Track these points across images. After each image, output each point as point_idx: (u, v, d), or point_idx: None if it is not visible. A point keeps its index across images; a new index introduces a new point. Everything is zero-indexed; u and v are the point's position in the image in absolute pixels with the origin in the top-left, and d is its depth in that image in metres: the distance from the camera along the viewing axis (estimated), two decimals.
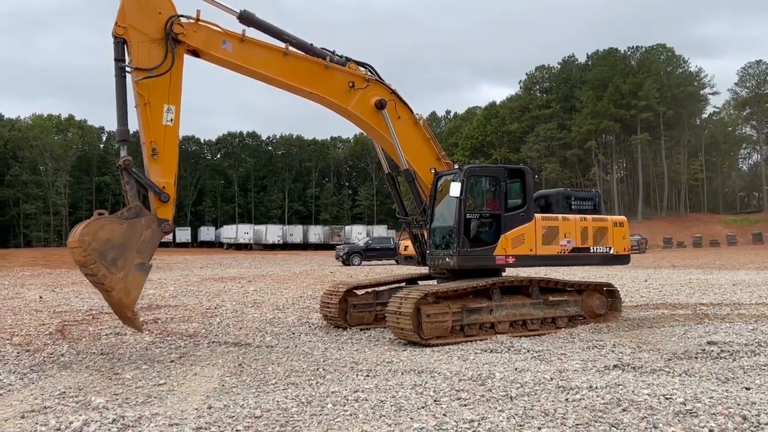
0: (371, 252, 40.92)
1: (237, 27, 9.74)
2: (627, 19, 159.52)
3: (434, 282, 11.26)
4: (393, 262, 39.01)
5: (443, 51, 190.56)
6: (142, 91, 8.70)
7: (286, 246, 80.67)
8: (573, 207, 11.53)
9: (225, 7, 9.70)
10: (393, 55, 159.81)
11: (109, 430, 5.42)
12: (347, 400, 6.33)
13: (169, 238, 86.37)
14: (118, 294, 8.15)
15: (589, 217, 11.41)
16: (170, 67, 8.81)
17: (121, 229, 8.14)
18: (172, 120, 8.89)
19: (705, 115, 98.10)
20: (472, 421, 5.50)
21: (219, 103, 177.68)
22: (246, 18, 9.80)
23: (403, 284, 11.99)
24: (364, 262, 39.94)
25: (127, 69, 8.70)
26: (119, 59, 8.66)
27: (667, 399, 6.08)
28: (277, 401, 6.30)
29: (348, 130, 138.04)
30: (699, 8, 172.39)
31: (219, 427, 5.48)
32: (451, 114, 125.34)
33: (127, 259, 8.14)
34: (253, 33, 9.90)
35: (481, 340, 9.70)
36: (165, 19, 8.85)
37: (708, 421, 5.40)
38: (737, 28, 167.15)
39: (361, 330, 11.26)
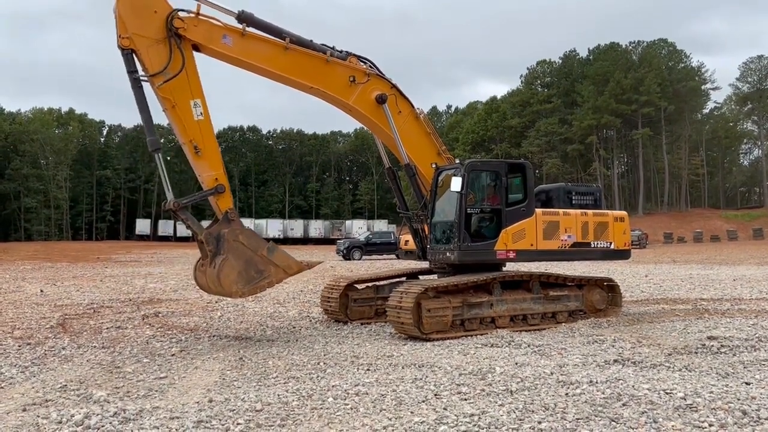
0: (372, 246, 40.90)
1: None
2: (627, 14, 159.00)
3: (435, 277, 11.27)
4: (393, 256, 39.05)
5: (443, 49, 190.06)
6: (166, 95, 8.78)
7: (286, 240, 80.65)
8: (574, 202, 11.52)
9: (223, 9, 9.64)
10: (393, 54, 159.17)
11: (110, 423, 5.43)
12: (348, 393, 6.35)
13: (170, 232, 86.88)
14: (287, 275, 9.35)
15: (589, 212, 11.40)
16: (182, 63, 8.83)
17: (233, 259, 8.85)
18: (202, 114, 9.01)
19: (706, 111, 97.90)
20: (472, 415, 5.51)
21: (219, 98, 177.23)
22: (245, 18, 9.73)
23: (404, 279, 12.00)
24: (364, 257, 39.95)
25: (143, 78, 8.74)
26: (132, 70, 8.67)
27: (667, 394, 6.10)
28: (278, 395, 6.32)
29: (348, 124, 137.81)
30: (696, 5, 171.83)
31: (220, 420, 5.49)
32: (452, 109, 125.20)
33: (260, 261, 9.07)
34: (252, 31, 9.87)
35: (481, 335, 9.71)
36: (163, 16, 8.84)
37: (708, 416, 5.41)
38: (735, 25, 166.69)
39: (361, 324, 11.28)
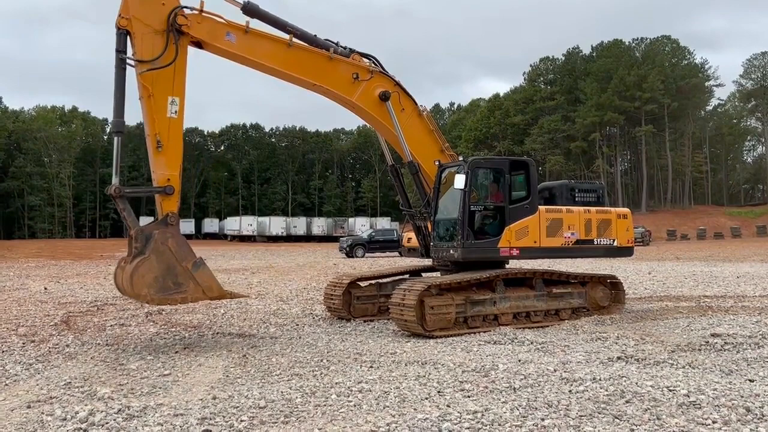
0: (375, 244, 40.91)
1: (240, 19, 9.71)
2: (629, 12, 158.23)
3: (438, 274, 11.27)
4: (396, 254, 39.03)
5: (446, 47, 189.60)
6: (146, 84, 8.64)
7: (289, 238, 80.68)
8: (577, 199, 11.51)
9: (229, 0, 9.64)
10: (394, 51, 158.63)
11: (114, 420, 5.45)
12: (351, 390, 6.36)
13: None
14: (205, 297, 8.78)
15: (592, 209, 11.39)
16: (174, 58, 8.76)
17: (155, 261, 8.38)
18: (176, 112, 8.84)
19: (710, 107, 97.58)
20: (475, 412, 5.51)
21: (222, 95, 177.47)
22: (250, 9, 9.74)
23: (407, 276, 12.00)
24: (367, 254, 39.95)
25: (130, 61, 8.64)
26: (121, 50, 8.57)
27: (670, 391, 6.10)
28: (282, 392, 6.33)
29: (351, 121, 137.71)
30: (698, 2, 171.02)
31: (223, 417, 5.51)
32: (455, 106, 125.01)
33: (182, 272, 8.53)
34: (256, 24, 9.86)
35: (484, 332, 9.71)
36: (168, 10, 8.80)
37: (711, 413, 5.41)
38: (737, 23, 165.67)
39: (364, 321, 11.29)
